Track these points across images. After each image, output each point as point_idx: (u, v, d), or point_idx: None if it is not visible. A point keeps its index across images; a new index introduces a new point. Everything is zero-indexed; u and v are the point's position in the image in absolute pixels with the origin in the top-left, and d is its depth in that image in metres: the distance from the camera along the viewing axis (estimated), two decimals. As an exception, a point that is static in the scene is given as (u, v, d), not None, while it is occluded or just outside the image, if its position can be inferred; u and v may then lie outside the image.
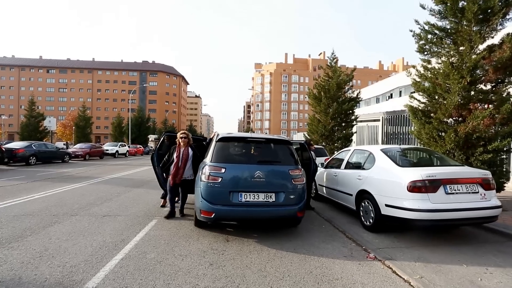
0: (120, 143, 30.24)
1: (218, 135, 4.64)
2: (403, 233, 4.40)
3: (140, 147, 34.48)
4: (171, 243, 3.87)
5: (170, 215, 5.15)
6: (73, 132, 35.88)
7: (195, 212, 4.44)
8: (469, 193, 3.72)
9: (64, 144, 35.05)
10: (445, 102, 5.78)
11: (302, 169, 4.44)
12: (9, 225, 4.51)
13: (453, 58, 5.79)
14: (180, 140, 5.12)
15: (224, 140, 4.42)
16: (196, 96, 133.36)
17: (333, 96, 13.11)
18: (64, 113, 63.43)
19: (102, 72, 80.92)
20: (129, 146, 31.31)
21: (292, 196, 4.16)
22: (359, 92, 14.01)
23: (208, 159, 4.31)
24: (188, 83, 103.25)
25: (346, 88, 13.71)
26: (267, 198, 4.07)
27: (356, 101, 13.42)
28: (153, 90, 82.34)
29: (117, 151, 26.87)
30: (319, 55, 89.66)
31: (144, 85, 69.71)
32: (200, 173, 4.25)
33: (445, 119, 5.83)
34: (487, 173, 3.89)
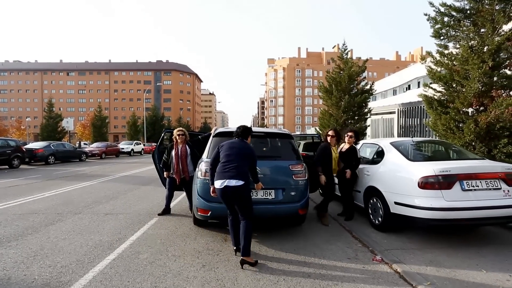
0: (135, 141, 30.92)
1: (216, 129, 4.48)
2: (416, 233, 4.05)
3: (155, 145, 35.09)
4: (167, 243, 3.76)
5: (164, 212, 5.15)
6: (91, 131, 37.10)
7: (193, 210, 4.31)
8: (490, 189, 3.33)
9: (84, 144, 36.31)
10: (463, 90, 5.29)
11: (305, 164, 4.19)
12: (13, 223, 4.58)
13: (472, 42, 5.27)
14: (177, 137, 5.00)
15: (221, 135, 4.24)
16: (210, 93, 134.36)
17: (345, 89, 12.61)
18: (84, 113, 65.64)
19: (118, 73, 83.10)
20: (144, 145, 31.96)
21: (293, 193, 3.93)
22: (372, 84, 13.41)
23: (204, 155, 4.16)
24: (201, 81, 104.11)
25: (359, 80, 13.15)
26: (266, 195, 3.86)
27: (369, 93, 12.85)
28: (167, 89, 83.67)
29: (132, 149, 27.51)
30: (333, 48, 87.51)
31: (158, 84, 70.93)
32: (197, 170, 4.11)
33: (464, 109, 5.35)
34: (511, 167, 3.47)
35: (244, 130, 3.42)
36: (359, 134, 4.92)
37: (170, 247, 3.59)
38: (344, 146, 5.00)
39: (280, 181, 3.95)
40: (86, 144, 35.40)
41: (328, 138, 4.87)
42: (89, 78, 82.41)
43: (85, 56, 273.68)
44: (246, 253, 3.02)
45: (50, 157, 16.29)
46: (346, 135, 4.93)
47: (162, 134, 5.69)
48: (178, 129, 5.18)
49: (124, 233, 4.12)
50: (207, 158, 4.01)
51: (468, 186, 3.31)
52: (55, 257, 3.24)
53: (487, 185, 3.33)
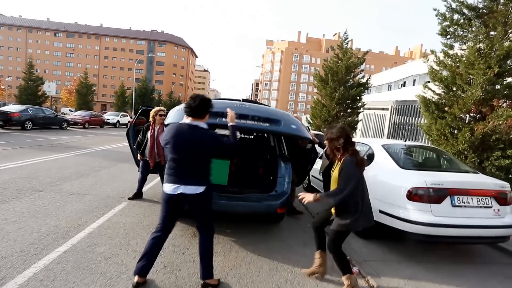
0: (121, 113, 29.85)
1: None
2: (397, 243, 3.86)
3: (143, 118, 34.06)
4: (130, 234, 3.43)
5: (135, 196, 4.78)
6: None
7: None
8: (480, 207, 3.12)
9: (70, 110, 34.65)
10: (464, 95, 5.01)
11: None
12: (-38, 197, 4.13)
13: (481, 44, 4.93)
14: (157, 118, 4.56)
15: None
16: (204, 70, 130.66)
17: (341, 80, 12.22)
18: (71, 78, 62.86)
19: (110, 39, 79.04)
20: (131, 117, 30.91)
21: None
22: (369, 78, 13.05)
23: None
24: (196, 56, 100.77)
25: (356, 72, 12.75)
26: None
27: (365, 87, 12.52)
28: (160, 61, 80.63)
29: (118, 121, 26.52)
30: (333, 35, 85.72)
31: (151, 55, 68.01)
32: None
33: (461, 115, 5.09)
34: (505, 185, 3.26)
35: (200, 104, 2.26)
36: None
37: (133, 240, 3.27)
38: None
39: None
40: (72, 111, 34.02)
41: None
42: (78, 41, 78.05)
43: (75, 17, 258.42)
44: (209, 275, 2.40)
45: (27, 122, 15.35)
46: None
47: (139, 111, 5.21)
48: (159, 108, 4.72)
49: (86, 219, 3.76)
50: None
51: (459, 202, 3.09)
52: (-3, 245, 2.86)
53: (478, 203, 3.12)
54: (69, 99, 47.57)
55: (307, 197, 2.46)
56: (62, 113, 31.64)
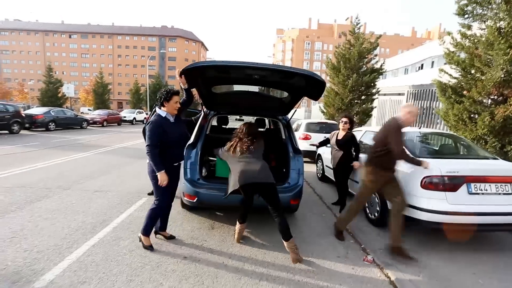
0: (137, 110, 30.64)
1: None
2: (411, 230, 3.85)
3: (146, 118, 34.87)
4: (152, 228, 3.62)
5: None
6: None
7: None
8: (499, 194, 3.06)
9: (89, 109, 35.87)
10: (483, 78, 4.80)
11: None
12: (-1, 197, 4.48)
13: (501, 23, 4.67)
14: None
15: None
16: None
17: (354, 67, 11.93)
18: (88, 78, 64.91)
19: (122, 37, 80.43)
20: (147, 113, 31.67)
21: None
22: (383, 63, 12.63)
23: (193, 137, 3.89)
24: (207, 49, 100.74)
25: (369, 57, 12.37)
26: None
27: (379, 72, 12.15)
28: (172, 56, 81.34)
29: (134, 118, 27.29)
30: (346, 20, 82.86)
31: (162, 51, 68.67)
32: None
33: (480, 98, 4.89)
34: (525, 170, 3.16)
35: (159, 97, 3.09)
36: (354, 122, 4.72)
37: (153, 233, 3.46)
38: (339, 133, 4.64)
39: None
40: (90, 110, 35.30)
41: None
42: (92, 42, 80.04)
43: (87, 17, 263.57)
44: (142, 231, 3.10)
45: (50, 123, 16.17)
46: (340, 121, 4.62)
47: (154, 109, 5.36)
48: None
49: (110, 214, 4.00)
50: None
51: (476, 189, 3.04)
52: (33, 240, 3.13)
53: (497, 190, 3.05)
54: (87, 99, 49.29)
55: None
56: (81, 112, 32.90)
